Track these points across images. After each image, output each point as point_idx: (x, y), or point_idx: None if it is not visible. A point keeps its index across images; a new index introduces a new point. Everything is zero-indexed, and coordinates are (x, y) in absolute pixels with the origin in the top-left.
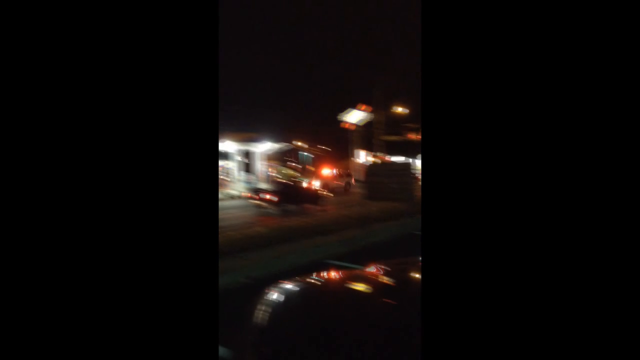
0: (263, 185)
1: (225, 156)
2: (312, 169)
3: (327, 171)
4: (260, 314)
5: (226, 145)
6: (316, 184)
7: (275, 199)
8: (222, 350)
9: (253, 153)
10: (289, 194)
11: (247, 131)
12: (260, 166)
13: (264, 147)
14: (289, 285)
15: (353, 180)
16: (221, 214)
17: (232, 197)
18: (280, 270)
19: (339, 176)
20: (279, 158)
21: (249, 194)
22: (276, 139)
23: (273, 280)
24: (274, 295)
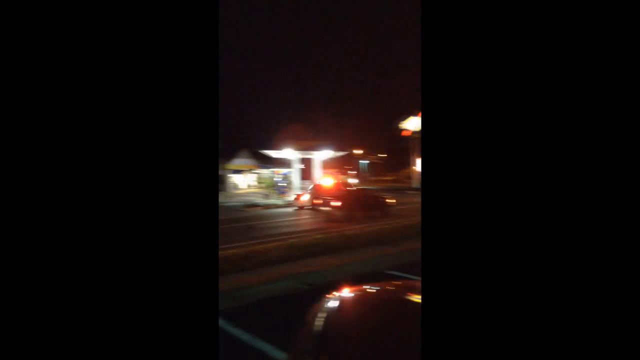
0: (327, 193)
1: (286, 164)
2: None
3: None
4: (319, 320)
5: (286, 152)
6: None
7: (339, 204)
8: (280, 354)
9: (312, 160)
10: (354, 201)
11: (307, 139)
12: (319, 174)
13: (323, 155)
14: (348, 294)
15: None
16: (282, 221)
17: (291, 204)
18: (340, 278)
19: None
20: (338, 166)
21: (314, 201)
22: (335, 147)
23: (333, 288)
24: (333, 303)
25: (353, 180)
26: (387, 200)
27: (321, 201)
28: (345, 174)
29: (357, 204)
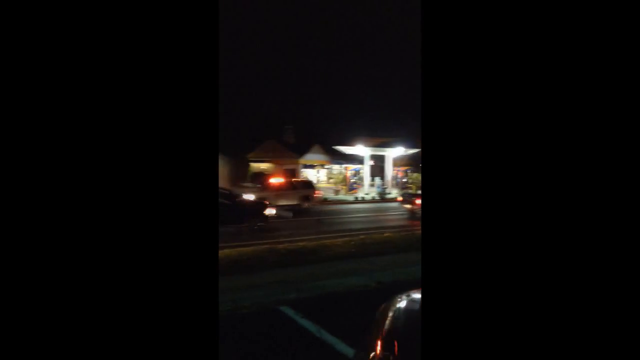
0: (409, 190)
1: (358, 160)
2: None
3: None
4: (388, 320)
5: (358, 149)
6: None
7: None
8: (345, 348)
9: (385, 157)
10: None
11: (380, 136)
12: (391, 171)
13: (395, 152)
14: (418, 294)
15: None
16: (353, 217)
17: (364, 200)
18: (410, 278)
19: None
20: (411, 163)
21: (401, 198)
22: (408, 144)
23: (402, 287)
24: (403, 303)
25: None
26: None
27: (411, 199)
28: (416, 171)
29: None
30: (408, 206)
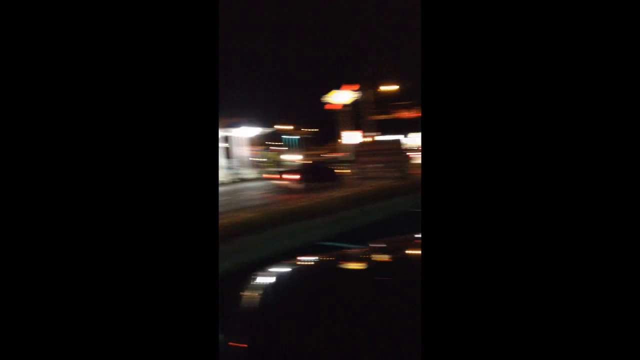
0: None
1: None
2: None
3: None
4: (250, 298)
5: None
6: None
7: (297, 177)
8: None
9: (234, 138)
10: (310, 172)
11: (227, 117)
12: (242, 151)
13: (245, 132)
14: (278, 269)
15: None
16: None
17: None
18: (272, 254)
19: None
20: (262, 142)
21: (270, 175)
22: (259, 123)
23: (263, 265)
24: (263, 280)
25: (293, 156)
26: (340, 171)
27: (281, 175)
28: (271, 150)
29: (315, 174)
30: (277, 181)
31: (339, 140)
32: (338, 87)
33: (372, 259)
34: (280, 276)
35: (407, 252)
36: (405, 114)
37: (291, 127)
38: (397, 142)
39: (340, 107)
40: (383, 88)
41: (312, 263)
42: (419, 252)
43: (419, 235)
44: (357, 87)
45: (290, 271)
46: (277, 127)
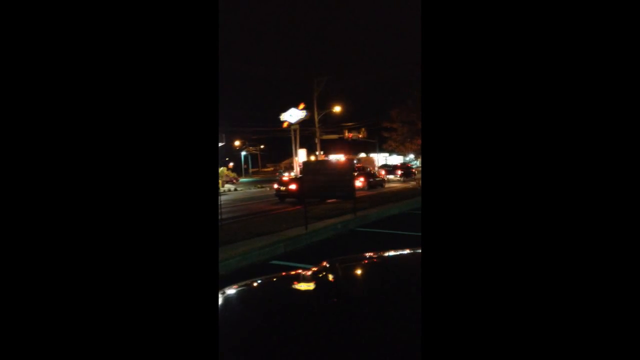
0: None
1: None
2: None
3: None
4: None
5: None
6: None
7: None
8: None
9: None
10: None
11: None
12: None
13: None
14: (228, 291)
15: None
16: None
17: None
18: (222, 274)
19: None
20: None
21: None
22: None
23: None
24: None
25: (229, 172)
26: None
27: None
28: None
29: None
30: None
31: (295, 158)
32: (293, 106)
33: (320, 278)
34: (225, 298)
35: (356, 271)
36: (351, 136)
37: (242, 143)
38: (345, 161)
39: (294, 126)
40: (333, 110)
41: (262, 284)
42: (362, 271)
43: (369, 254)
44: (303, 105)
45: (235, 294)
46: (233, 143)
